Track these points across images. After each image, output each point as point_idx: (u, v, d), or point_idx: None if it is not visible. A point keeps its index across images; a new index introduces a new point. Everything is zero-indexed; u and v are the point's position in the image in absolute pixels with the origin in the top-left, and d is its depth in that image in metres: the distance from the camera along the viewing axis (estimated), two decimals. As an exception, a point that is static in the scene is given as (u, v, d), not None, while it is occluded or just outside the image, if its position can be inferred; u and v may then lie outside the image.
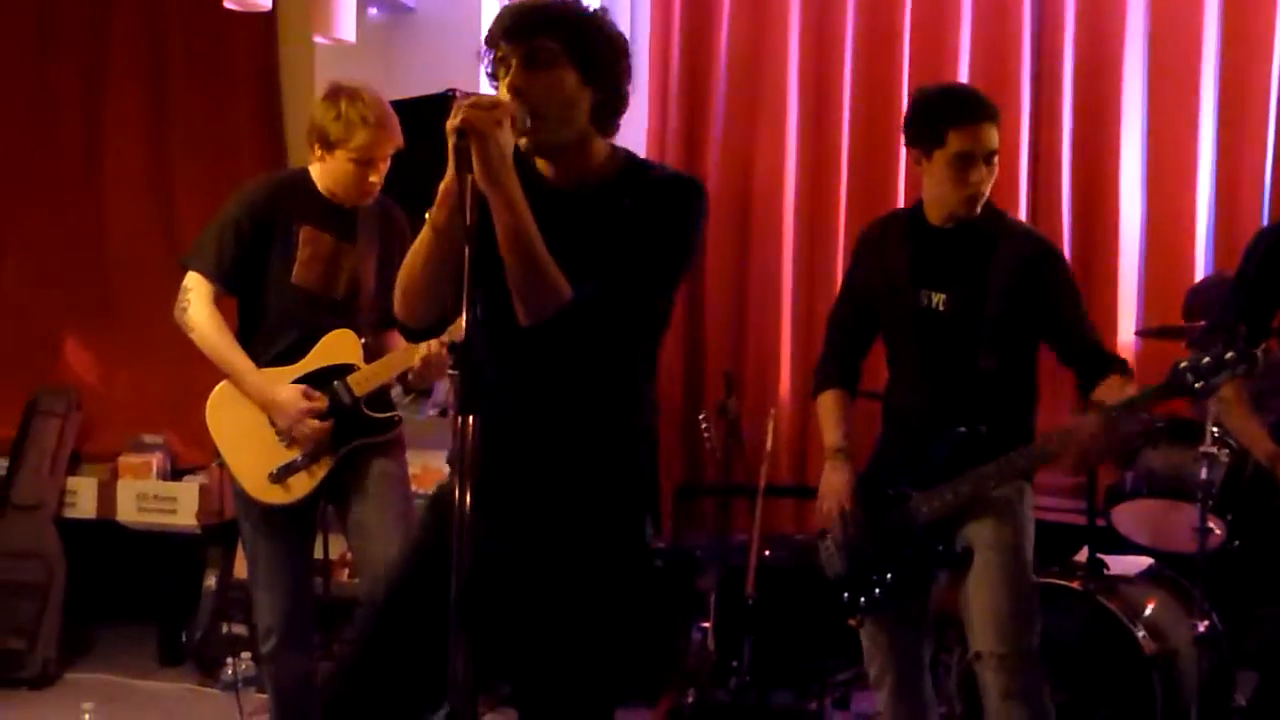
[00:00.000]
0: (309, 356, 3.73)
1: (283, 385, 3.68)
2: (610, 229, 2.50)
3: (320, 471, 3.71)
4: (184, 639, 5.45)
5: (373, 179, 3.71)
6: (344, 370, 3.74)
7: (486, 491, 2.34)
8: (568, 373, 2.57)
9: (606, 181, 2.58)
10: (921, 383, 3.48)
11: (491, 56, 2.53)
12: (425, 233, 2.44)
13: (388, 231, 3.83)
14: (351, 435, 3.74)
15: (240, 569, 5.02)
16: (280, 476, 3.68)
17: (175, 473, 5.73)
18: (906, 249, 3.46)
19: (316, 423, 3.67)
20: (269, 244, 3.70)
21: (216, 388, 3.73)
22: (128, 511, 5.59)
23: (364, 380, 3.74)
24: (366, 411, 3.76)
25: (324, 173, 3.73)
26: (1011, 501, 3.37)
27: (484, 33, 2.58)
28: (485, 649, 2.55)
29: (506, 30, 2.49)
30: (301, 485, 3.70)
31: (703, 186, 2.71)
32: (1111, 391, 3.20)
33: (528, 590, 2.60)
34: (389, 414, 3.82)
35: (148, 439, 5.75)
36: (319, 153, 3.71)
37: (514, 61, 2.47)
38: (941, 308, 3.40)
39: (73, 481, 5.69)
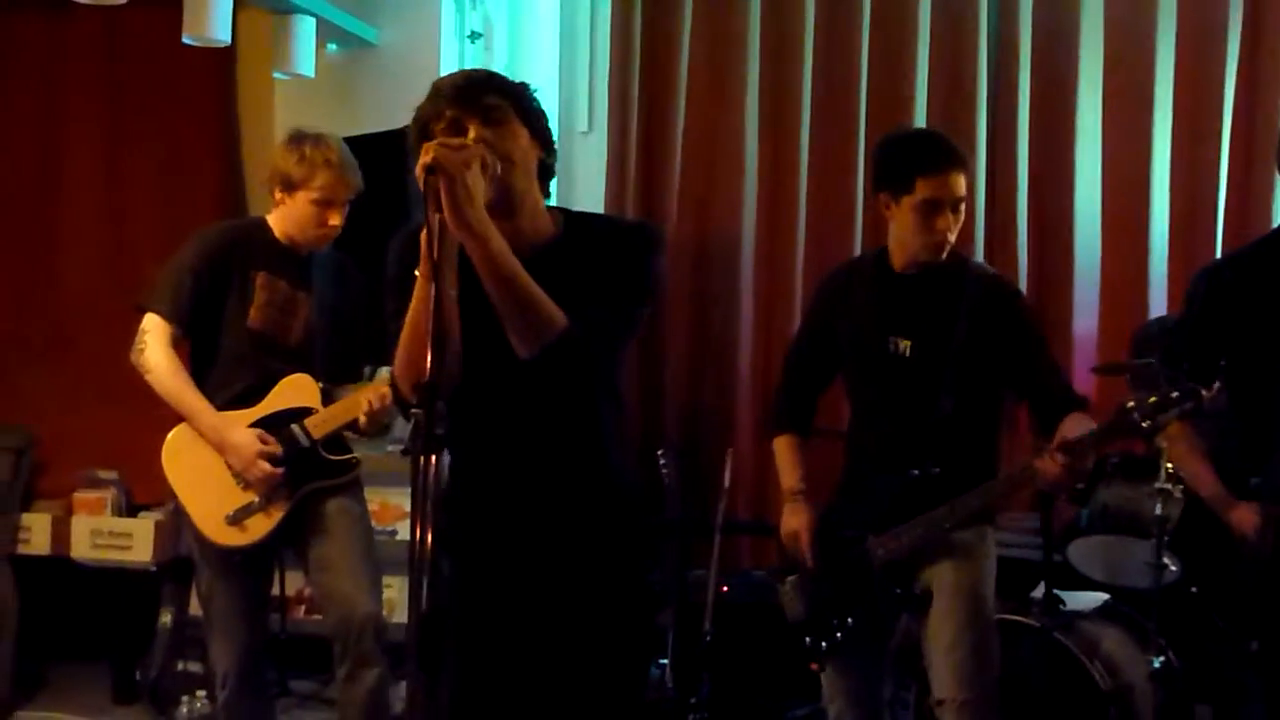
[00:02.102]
0: (266, 399, 3.74)
1: (239, 428, 3.68)
2: (567, 287, 2.51)
3: (277, 513, 3.70)
4: (138, 677, 5.38)
5: (333, 221, 3.72)
6: (302, 413, 3.74)
7: (486, 528, 2.36)
8: (560, 405, 2.58)
9: (556, 237, 2.64)
10: (884, 425, 3.48)
11: (429, 130, 2.54)
12: (420, 287, 2.42)
13: (341, 282, 3.85)
14: (309, 478, 3.74)
15: (196, 607, 4.98)
16: (237, 518, 3.67)
17: (130, 509, 5.67)
18: (872, 296, 3.47)
19: (270, 466, 3.66)
20: (226, 289, 3.72)
21: (173, 430, 3.72)
22: (82, 548, 5.53)
23: (321, 424, 3.74)
24: (324, 454, 3.76)
25: (283, 217, 3.76)
26: (972, 544, 3.38)
27: (443, 69, 2.61)
28: (487, 694, 2.56)
29: (456, 95, 2.54)
30: (259, 527, 3.68)
31: (651, 225, 2.78)
32: (1068, 430, 3.22)
33: (533, 635, 2.60)
34: (347, 456, 3.81)
35: (102, 475, 5.70)
36: (279, 196, 3.74)
37: (470, 121, 2.51)
38: (908, 354, 3.41)
39: (26, 518, 5.63)
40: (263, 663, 3.84)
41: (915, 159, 3.35)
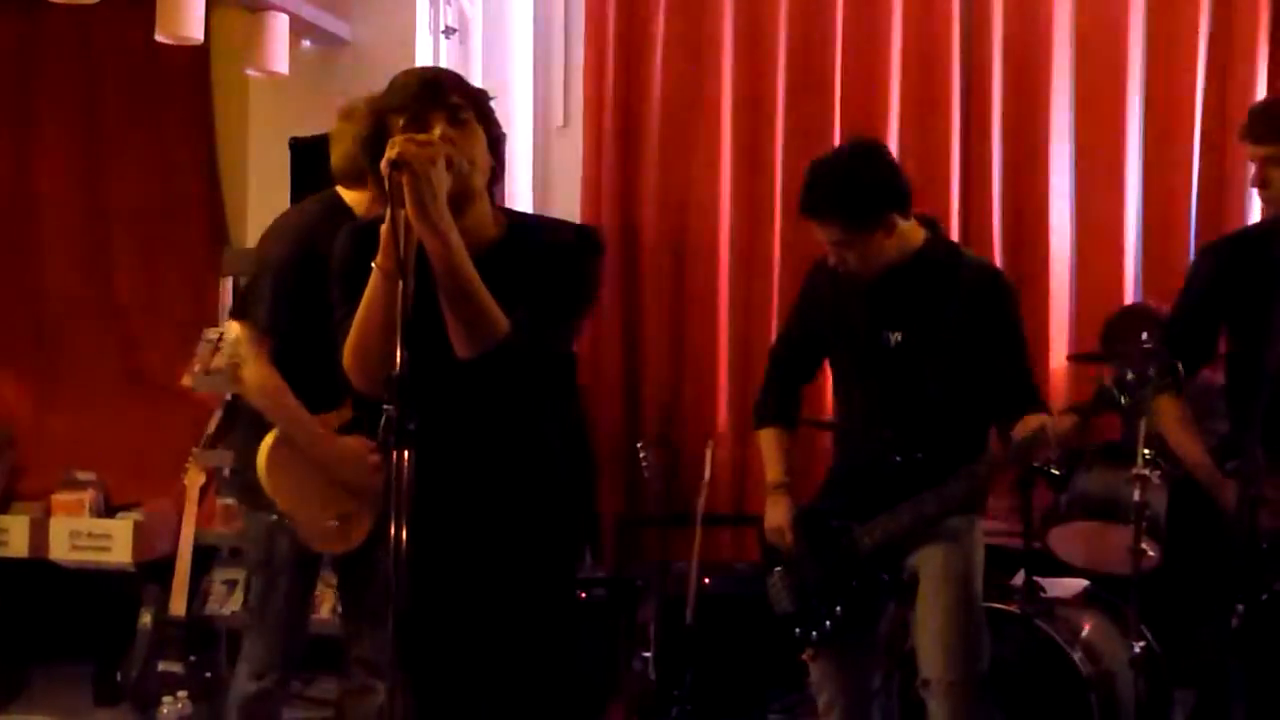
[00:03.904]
0: (348, 400, 3.57)
1: (348, 439, 3.56)
2: (508, 288, 2.53)
3: (374, 515, 3.60)
4: (119, 678, 5.36)
5: None
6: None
7: (431, 527, 2.36)
8: (500, 406, 2.60)
9: (501, 239, 2.66)
10: (874, 415, 3.49)
11: (387, 124, 2.54)
12: (375, 281, 2.42)
13: None
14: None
15: (176, 606, 4.98)
16: (341, 526, 3.58)
17: (109, 509, 5.65)
18: (862, 288, 3.47)
19: (381, 474, 3.56)
20: (319, 287, 3.35)
21: (267, 443, 3.53)
22: (61, 549, 5.50)
23: None
24: None
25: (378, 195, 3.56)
26: (960, 530, 3.40)
27: (418, 64, 2.62)
28: (429, 685, 2.57)
29: (421, 92, 2.55)
30: (359, 532, 3.61)
31: (591, 229, 2.82)
32: (1030, 426, 3.24)
33: (469, 623, 2.61)
34: None
35: (81, 475, 5.67)
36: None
37: (436, 118, 2.51)
38: (899, 344, 3.42)
39: (4, 520, 5.60)
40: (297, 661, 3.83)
41: (801, 196, 3.41)
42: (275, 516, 3.57)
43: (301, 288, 3.41)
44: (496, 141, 2.66)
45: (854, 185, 3.33)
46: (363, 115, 3.48)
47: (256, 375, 3.51)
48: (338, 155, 3.64)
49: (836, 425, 3.67)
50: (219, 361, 3.48)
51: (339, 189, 3.67)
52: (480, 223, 2.62)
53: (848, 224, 3.32)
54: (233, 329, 3.55)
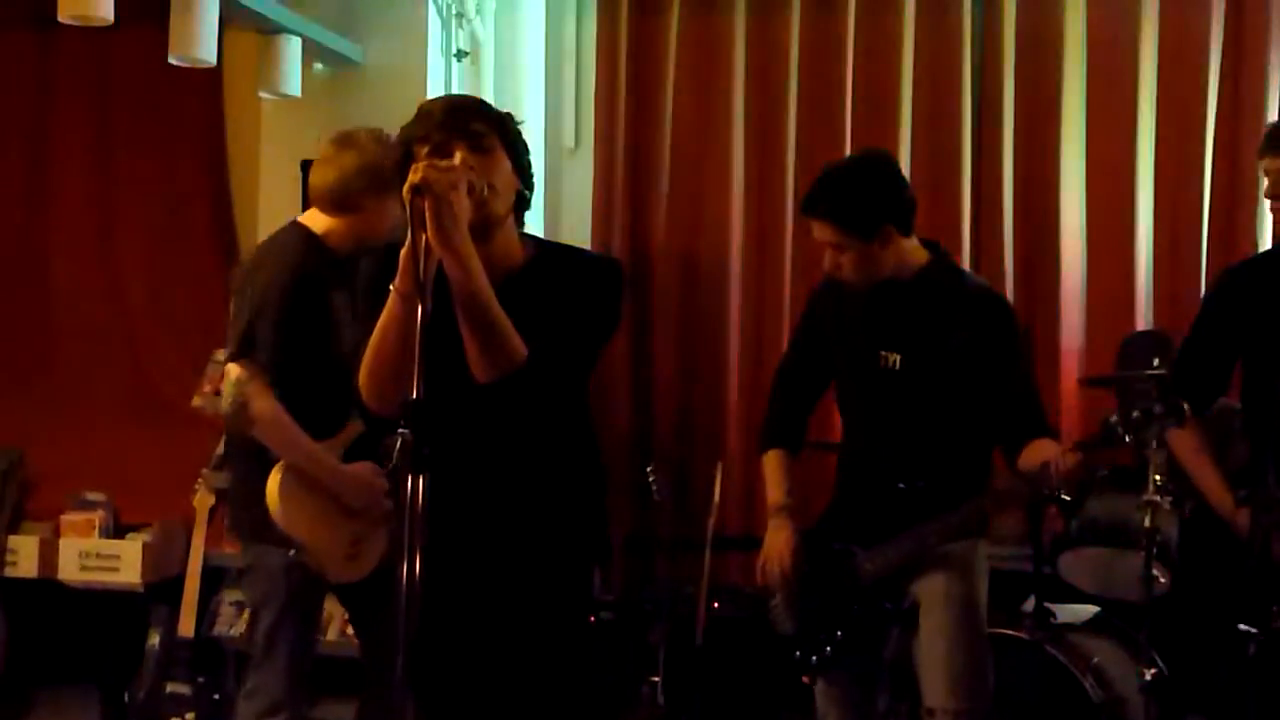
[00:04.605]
0: (351, 424, 3.60)
1: (356, 465, 3.57)
2: (531, 312, 2.56)
3: (385, 539, 3.61)
4: (127, 699, 5.35)
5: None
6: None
7: (444, 552, 2.36)
8: (516, 431, 2.60)
9: (526, 265, 2.68)
10: (875, 438, 3.48)
11: (414, 152, 2.55)
12: (392, 304, 2.44)
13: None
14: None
15: (185, 627, 4.98)
16: (355, 553, 3.58)
17: (119, 530, 5.65)
18: (863, 308, 3.46)
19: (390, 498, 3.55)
20: (315, 319, 3.53)
21: (276, 477, 3.49)
22: (70, 570, 5.50)
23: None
24: None
25: (361, 223, 3.55)
26: (965, 556, 3.38)
27: (430, 88, 2.64)
28: (441, 709, 2.57)
29: (444, 120, 2.57)
30: (372, 558, 3.62)
31: (618, 263, 2.85)
32: (1035, 455, 3.23)
33: (482, 646, 2.61)
34: None
35: (90, 496, 5.67)
36: (369, 204, 3.53)
37: (458, 145, 2.53)
38: (897, 367, 3.41)
39: (13, 540, 5.59)
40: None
41: (805, 194, 3.41)
42: (292, 552, 3.53)
43: (289, 319, 3.47)
44: (524, 168, 2.68)
45: (851, 188, 3.35)
46: (362, 144, 3.54)
47: (268, 410, 3.47)
48: (323, 179, 3.61)
49: (839, 447, 3.66)
50: (224, 404, 3.46)
51: (305, 216, 3.67)
52: (505, 249, 2.64)
53: (839, 225, 3.32)
54: (231, 371, 3.52)
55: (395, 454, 2.16)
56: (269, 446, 3.52)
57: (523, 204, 2.70)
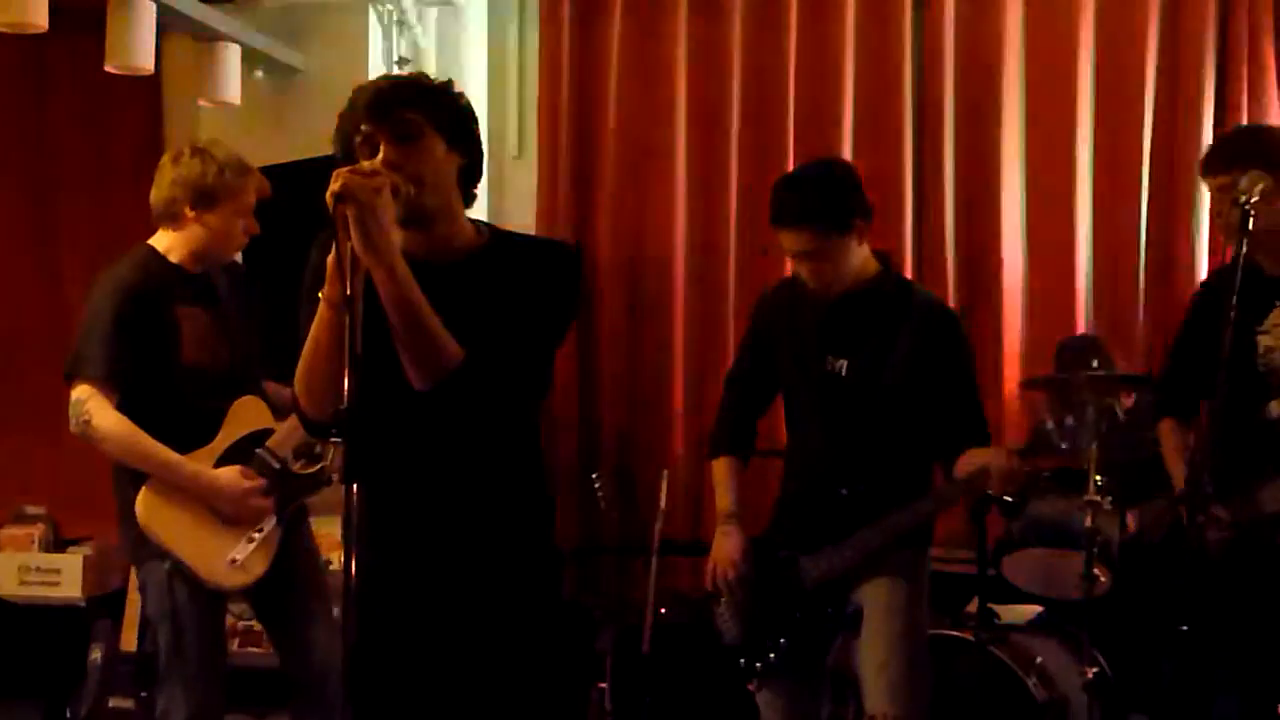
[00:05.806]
0: (222, 433, 3.61)
1: (221, 470, 3.55)
2: (485, 298, 2.51)
3: (273, 543, 3.60)
4: (69, 715, 5.30)
5: (254, 228, 3.65)
6: (262, 435, 3.65)
7: (393, 558, 2.33)
8: (463, 436, 2.56)
9: (474, 252, 2.60)
10: (820, 445, 3.49)
11: (350, 144, 2.50)
12: (322, 312, 2.38)
13: (238, 284, 3.76)
14: (291, 498, 3.66)
15: (128, 641, 4.93)
16: (238, 559, 3.54)
17: (59, 544, 5.59)
18: (813, 314, 3.48)
19: (263, 500, 3.56)
20: (153, 334, 3.53)
21: (143, 491, 3.50)
22: (9, 585, 5.43)
23: (282, 441, 3.64)
24: (296, 471, 3.67)
25: (194, 237, 3.60)
26: (906, 564, 3.40)
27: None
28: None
29: (368, 110, 2.50)
30: (259, 563, 3.58)
31: (572, 248, 2.76)
32: (972, 460, 3.27)
33: (425, 656, 2.59)
34: (318, 467, 3.71)
35: (29, 510, 5.61)
36: (190, 215, 3.57)
37: (382, 138, 2.47)
38: (844, 373, 3.42)
39: (-48, 556, 5.53)
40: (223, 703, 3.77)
41: (771, 207, 3.39)
42: (168, 564, 3.51)
43: (133, 338, 3.48)
44: (465, 139, 2.59)
45: (821, 189, 3.36)
46: (184, 159, 3.56)
47: (108, 423, 3.46)
48: (154, 195, 3.62)
49: (785, 454, 3.67)
50: (71, 427, 3.49)
51: (154, 236, 3.66)
52: (450, 236, 2.57)
53: (821, 227, 3.32)
54: (73, 393, 3.51)
55: (340, 462, 2.14)
56: (121, 460, 3.53)
57: (470, 176, 2.61)
